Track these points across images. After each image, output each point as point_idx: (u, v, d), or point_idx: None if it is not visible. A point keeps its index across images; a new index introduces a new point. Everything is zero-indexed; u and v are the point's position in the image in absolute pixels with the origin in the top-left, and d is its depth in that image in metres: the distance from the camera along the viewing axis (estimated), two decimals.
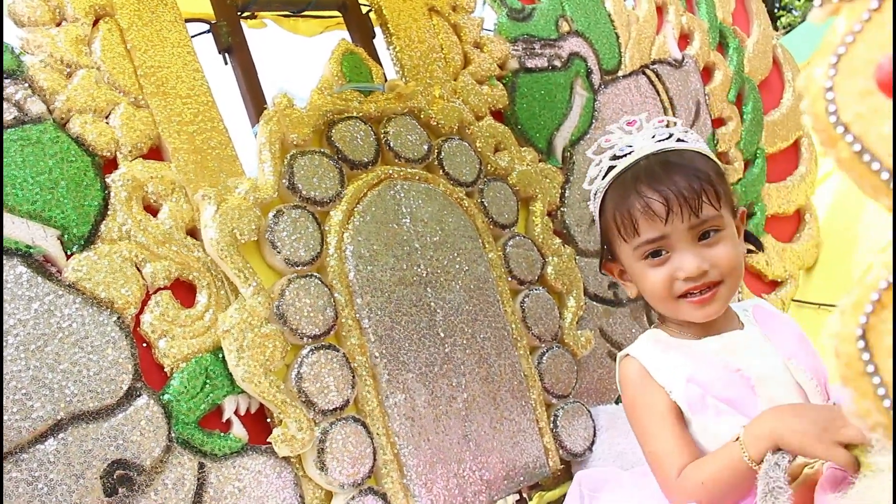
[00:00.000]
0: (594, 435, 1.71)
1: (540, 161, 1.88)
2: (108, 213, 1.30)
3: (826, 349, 0.57)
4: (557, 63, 1.99)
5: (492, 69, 1.89)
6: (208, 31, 2.01)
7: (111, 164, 1.34)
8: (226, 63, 1.88)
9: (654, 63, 2.19)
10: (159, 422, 1.25)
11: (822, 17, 0.57)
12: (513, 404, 1.62)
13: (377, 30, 1.90)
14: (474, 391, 1.57)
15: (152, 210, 1.36)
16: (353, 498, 1.37)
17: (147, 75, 1.41)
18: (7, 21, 1.32)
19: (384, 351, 1.48)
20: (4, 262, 1.17)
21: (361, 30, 2.00)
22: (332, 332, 1.43)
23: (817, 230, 2.43)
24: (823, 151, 0.57)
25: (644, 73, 2.16)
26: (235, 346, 1.31)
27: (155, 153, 1.40)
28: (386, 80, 1.70)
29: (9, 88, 1.26)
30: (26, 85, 1.28)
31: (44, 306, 1.19)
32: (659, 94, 2.16)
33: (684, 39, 2.30)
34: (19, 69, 1.28)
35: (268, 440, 1.34)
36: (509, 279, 1.70)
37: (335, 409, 1.39)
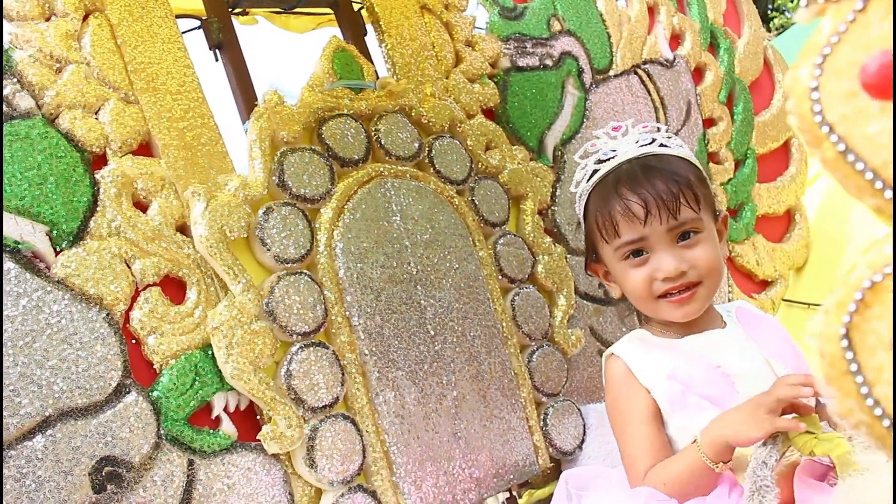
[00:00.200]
0: (584, 433, 1.71)
1: (531, 160, 1.88)
2: (98, 209, 1.29)
3: (810, 349, 0.57)
4: (549, 62, 2.00)
5: (483, 67, 1.89)
6: (199, 28, 2.00)
7: (101, 160, 1.34)
8: (217, 59, 1.87)
9: (645, 63, 2.20)
10: (148, 419, 1.25)
11: (807, 17, 0.57)
12: (503, 402, 1.62)
13: (369, 27, 1.90)
14: (464, 389, 1.57)
15: (142, 206, 1.36)
16: (342, 495, 1.37)
17: (137, 71, 1.41)
18: None
19: (374, 348, 1.48)
20: None
21: (353, 27, 2.00)
22: (321, 330, 1.43)
23: (807, 230, 2.45)
24: (810, 152, 0.58)
25: (635, 73, 2.16)
26: (225, 342, 1.31)
27: (145, 149, 1.39)
28: (377, 78, 1.70)
29: None
30: (15, 80, 1.27)
31: (32, 302, 1.18)
32: (650, 94, 2.17)
33: (675, 40, 2.31)
34: (8, 64, 1.27)
35: (257, 437, 1.33)
36: (500, 277, 1.71)
37: (324, 407, 1.39)
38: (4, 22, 1.31)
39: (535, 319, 1.72)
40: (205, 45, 1.86)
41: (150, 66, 1.42)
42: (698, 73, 2.32)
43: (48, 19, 1.35)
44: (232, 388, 1.34)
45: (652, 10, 2.28)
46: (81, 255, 1.25)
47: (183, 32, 1.54)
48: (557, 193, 1.90)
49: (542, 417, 1.67)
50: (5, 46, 1.29)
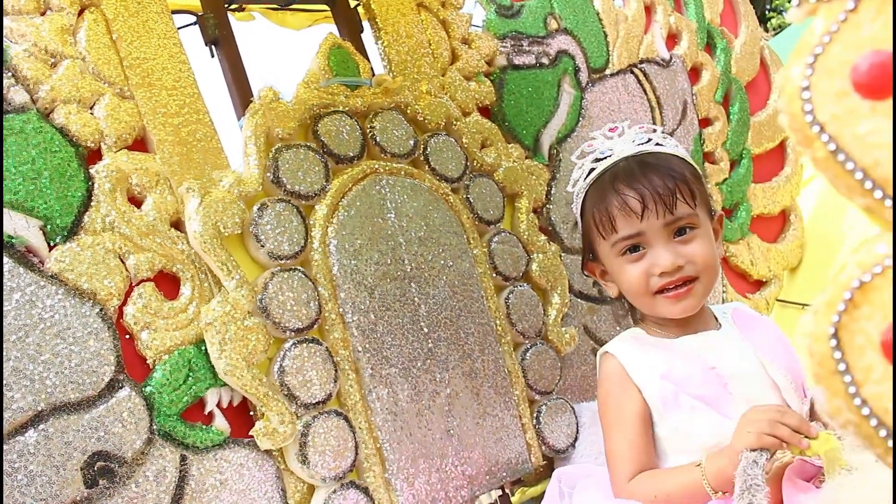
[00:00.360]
0: (577, 432, 1.72)
1: (526, 158, 1.88)
2: (92, 204, 1.29)
3: (800, 348, 0.58)
4: (545, 60, 2.00)
5: (479, 65, 1.89)
6: (195, 23, 2.00)
7: (95, 155, 1.33)
8: (212, 55, 1.87)
9: (641, 62, 2.20)
10: (141, 414, 1.25)
11: (799, 17, 0.58)
12: (496, 400, 1.63)
13: (365, 24, 1.90)
14: (457, 386, 1.58)
15: (136, 202, 1.35)
16: (334, 492, 1.38)
17: (133, 66, 1.40)
18: None
19: (367, 345, 1.48)
20: None
21: (349, 24, 2.00)
22: (315, 326, 1.43)
23: (802, 231, 2.45)
24: (801, 151, 0.58)
25: (632, 72, 2.17)
26: (218, 338, 1.31)
27: (140, 145, 1.39)
28: (373, 75, 1.70)
29: None
30: (10, 74, 1.27)
31: (25, 297, 1.18)
32: (646, 94, 2.17)
33: (672, 39, 2.31)
34: (2, 58, 1.27)
35: (250, 433, 1.33)
36: (494, 275, 1.71)
37: (317, 403, 1.39)
38: None
39: (529, 317, 1.72)
40: (201, 40, 1.86)
41: (145, 62, 1.42)
42: (695, 73, 2.32)
43: (43, 13, 1.34)
44: (225, 384, 1.34)
45: (649, 10, 2.28)
46: (75, 249, 1.25)
47: (179, 28, 1.53)
48: (552, 192, 1.91)
49: (535, 415, 1.67)
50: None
